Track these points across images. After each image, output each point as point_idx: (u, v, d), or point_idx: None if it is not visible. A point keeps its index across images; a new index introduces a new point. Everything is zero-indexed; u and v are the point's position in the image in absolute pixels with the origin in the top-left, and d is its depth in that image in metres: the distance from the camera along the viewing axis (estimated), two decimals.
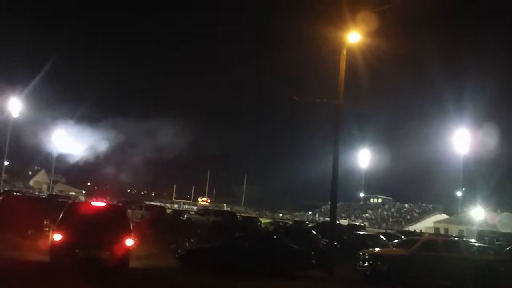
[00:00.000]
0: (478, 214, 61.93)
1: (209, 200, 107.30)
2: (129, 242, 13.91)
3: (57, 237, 13.38)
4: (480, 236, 41.46)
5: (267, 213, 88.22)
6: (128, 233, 13.98)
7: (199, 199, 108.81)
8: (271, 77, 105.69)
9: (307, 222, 52.06)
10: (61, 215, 14.04)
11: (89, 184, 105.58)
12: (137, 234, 18.95)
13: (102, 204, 17.30)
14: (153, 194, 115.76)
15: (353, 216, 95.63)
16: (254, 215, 63.97)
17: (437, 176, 77.30)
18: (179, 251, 17.50)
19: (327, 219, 26.44)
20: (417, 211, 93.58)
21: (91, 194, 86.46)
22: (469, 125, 64.67)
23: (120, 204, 27.56)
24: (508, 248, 27.40)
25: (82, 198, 70.63)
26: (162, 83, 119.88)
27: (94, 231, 13.38)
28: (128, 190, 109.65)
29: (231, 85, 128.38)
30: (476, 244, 26.71)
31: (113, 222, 14.01)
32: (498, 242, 33.39)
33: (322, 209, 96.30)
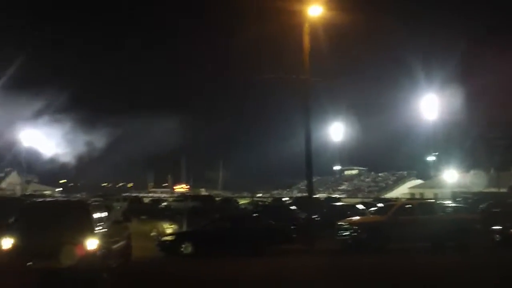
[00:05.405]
0: (450, 176, 63.28)
1: (187, 187, 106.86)
2: (92, 244, 11.64)
3: (7, 243, 11.51)
4: (454, 197, 42.47)
5: (246, 194, 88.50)
6: (90, 233, 11.75)
7: (175, 187, 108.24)
8: (234, 54, 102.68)
9: (285, 198, 52.36)
10: (14, 217, 12.43)
11: (62, 181, 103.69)
12: None
13: (60, 200, 16.34)
14: (129, 186, 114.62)
15: (330, 189, 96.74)
16: (232, 197, 64.03)
17: (409, 143, 78.40)
18: (160, 238, 17.49)
19: (306, 194, 26.63)
20: (392, 178, 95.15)
21: (66, 191, 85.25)
22: (437, 90, 65.44)
23: (80, 198, 24.80)
24: (481, 206, 28.24)
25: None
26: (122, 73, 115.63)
27: (49, 235, 11.51)
28: (103, 184, 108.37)
29: (192, 65, 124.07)
30: (451, 204, 27.32)
31: (72, 221, 11.89)
32: (470, 201, 34.33)
33: (300, 186, 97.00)
